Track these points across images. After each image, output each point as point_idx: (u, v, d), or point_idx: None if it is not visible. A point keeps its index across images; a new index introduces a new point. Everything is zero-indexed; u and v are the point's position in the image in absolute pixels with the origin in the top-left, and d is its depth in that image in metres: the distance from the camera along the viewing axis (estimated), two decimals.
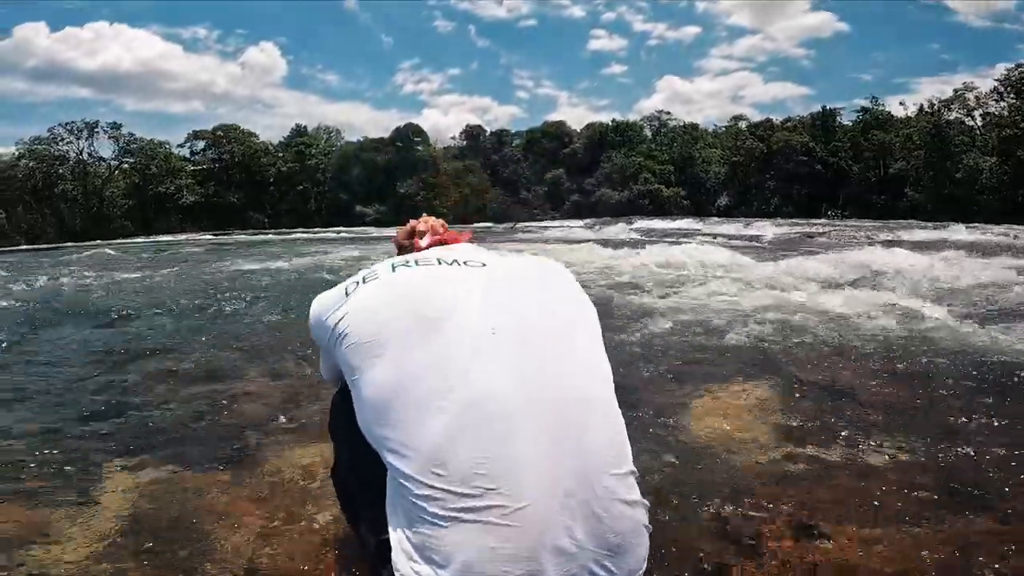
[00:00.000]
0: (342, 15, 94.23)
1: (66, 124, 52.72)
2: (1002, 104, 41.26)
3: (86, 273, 9.12)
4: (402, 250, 1.23)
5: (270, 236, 30.50)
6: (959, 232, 16.99)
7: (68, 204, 51.36)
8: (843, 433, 2.30)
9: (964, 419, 2.41)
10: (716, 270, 7.32)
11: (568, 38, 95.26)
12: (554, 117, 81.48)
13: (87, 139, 53.54)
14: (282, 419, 2.58)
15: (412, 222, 1.26)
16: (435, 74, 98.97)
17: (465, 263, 0.95)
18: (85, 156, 53.38)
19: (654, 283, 6.10)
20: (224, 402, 2.83)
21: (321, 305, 0.96)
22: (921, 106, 45.44)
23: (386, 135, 55.55)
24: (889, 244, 14.10)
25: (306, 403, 2.77)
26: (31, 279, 8.33)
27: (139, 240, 32.38)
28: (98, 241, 36.48)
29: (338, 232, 32.78)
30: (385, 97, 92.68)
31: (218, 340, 4.04)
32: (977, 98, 43.05)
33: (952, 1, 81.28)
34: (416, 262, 0.94)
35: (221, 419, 2.63)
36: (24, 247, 31.58)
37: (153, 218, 51.53)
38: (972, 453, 2.12)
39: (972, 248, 12.12)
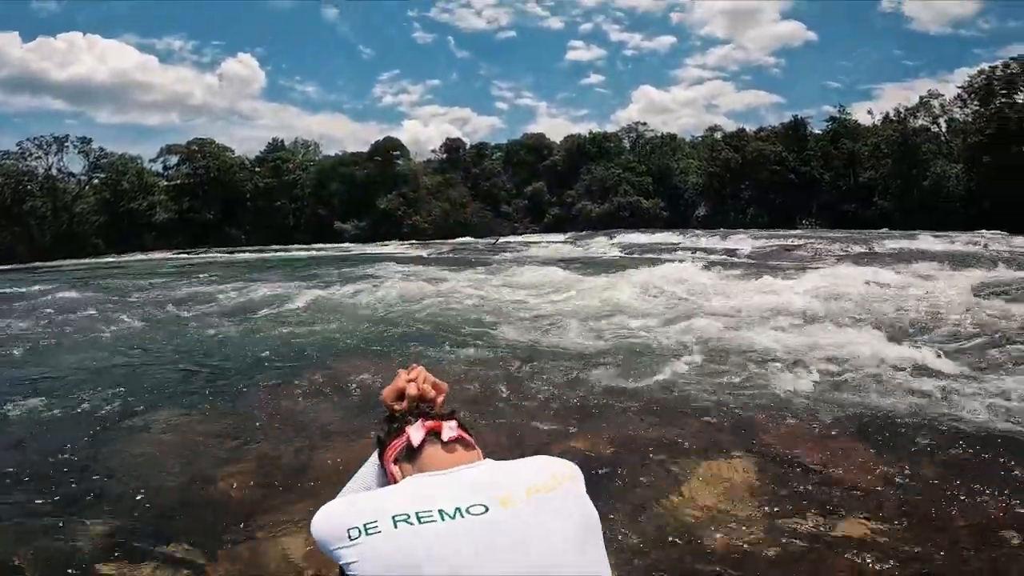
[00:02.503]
0: (321, 26, 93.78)
1: (35, 139, 51.37)
2: (966, 111, 42.19)
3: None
4: (392, 421, 1.22)
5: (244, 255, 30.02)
6: (928, 242, 17.50)
7: (37, 221, 50.04)
8: (820, 514, 2.37)
9: (940, 499, 2.49)
10: (694, 302, 7.41)
11: (546, 48, 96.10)
12: (533, 128, 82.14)
13: (56, 154, 52.06)
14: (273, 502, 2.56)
15: (400, 379, 1.27)
16: (415, 85, 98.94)
17: (468, 510, 0.98)
18: (54, 171, 51.94)
19: (633, 323, 6.10)
20: (211, 483, 2.79)
21: (325, 532, 0.99)
22: (887, 114, 46.60)
23: (365, 148, 55.25)
24: (863, 259, 14.49)
25: (291, 488, 2.74)
26: None
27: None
28: (69, 261, 35.52)
29: (320, 249, 32.42)
30: (365, 109, 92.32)
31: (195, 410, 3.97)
32: (942, 105, 44.09)
33: (910, 9, 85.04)
34: (418, 518, 0.96)
35: (209, 504, 2.59)
36: None
37: (125, 236, 50.39)
38: (947, 536, 2.20)
39: (945, 260, 12.50)
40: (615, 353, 4.83)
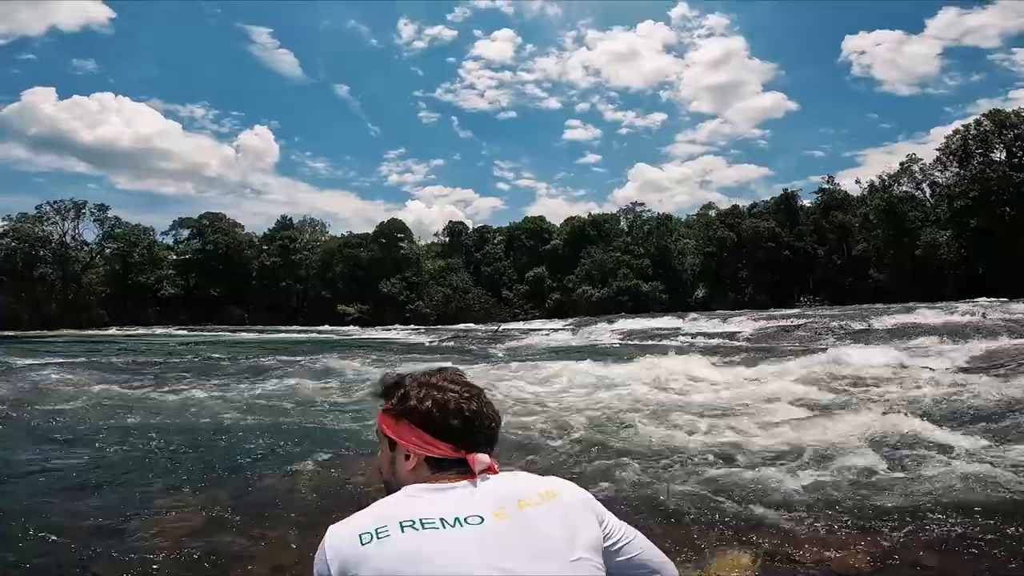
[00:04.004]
0: (333, 102, 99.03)
1: (54, 203, 52.69)
2: (947, 173, 42.64)
3: None
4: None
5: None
6: (925, 315, 17.34)
7: (45, 289, 50.38)
8: None
9: None
10: (695, 394, 7.46)
11: (545, 128, 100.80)
12: (534, 209, 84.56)
13: (73, 220, 53.14)
14: None
15: None
16: (419, 164, 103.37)
17: (466, 520, 1.13)
18: (68, 239, 52.96)
19: (633, 418, 6.03)
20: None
21: (340, 557, 1.09)
22: (871, 183, 47.23)
23: (371, 227, 56.87)
24: (861, 337, 14.56)
25: None
26: None
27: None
28: (72, 330, 35.41)
29: (321, 332, 32.52)
30: (371, 187, 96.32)
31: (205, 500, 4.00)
32: (922, 169, 44.52)
33: (878, 72, 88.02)
34: (422, 524, 1.11)
35: None
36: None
37: (131, 309, 50.64)
38: None
39: (944, 333, 12.52)
40: (608, 452, 4.81)
